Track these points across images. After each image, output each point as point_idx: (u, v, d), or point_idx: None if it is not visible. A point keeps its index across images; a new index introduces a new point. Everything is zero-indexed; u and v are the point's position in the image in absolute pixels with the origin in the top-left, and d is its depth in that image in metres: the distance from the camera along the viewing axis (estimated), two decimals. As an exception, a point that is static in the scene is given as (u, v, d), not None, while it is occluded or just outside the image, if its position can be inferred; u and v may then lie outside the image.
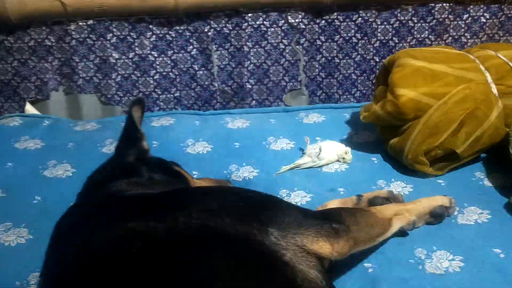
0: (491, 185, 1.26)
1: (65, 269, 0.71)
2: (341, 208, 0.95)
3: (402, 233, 1.05)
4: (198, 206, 0.75)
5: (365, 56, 1.95)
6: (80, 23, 1.80)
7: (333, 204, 1.12)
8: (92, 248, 0.69)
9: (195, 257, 0.63)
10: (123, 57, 1.88)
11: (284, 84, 1.98)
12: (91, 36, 1.83)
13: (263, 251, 0.69)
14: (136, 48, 1.87)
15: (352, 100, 2.02)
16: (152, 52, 1.89)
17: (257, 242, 0.71)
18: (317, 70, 1.96)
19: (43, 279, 0.82)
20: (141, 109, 1.10)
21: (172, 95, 1.96)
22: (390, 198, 1.13)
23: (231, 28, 1.86)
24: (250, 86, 1.96)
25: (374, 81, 1.93)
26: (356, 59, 1.95)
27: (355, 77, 1.99)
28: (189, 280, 0.59)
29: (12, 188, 1.33)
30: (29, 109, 1.88)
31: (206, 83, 1.95)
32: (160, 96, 1.95)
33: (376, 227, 0.93)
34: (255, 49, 1.91)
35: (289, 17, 1.86)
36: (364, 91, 2.01)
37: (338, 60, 1.95)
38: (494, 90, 1.31)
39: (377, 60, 1.95)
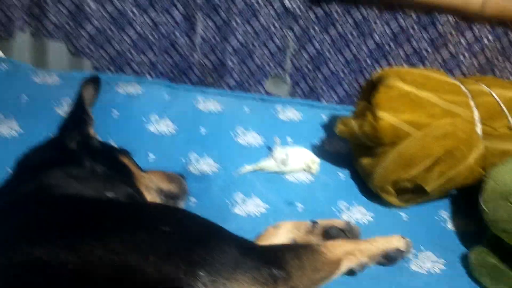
0: (453, 228, 1.21)
1: None
2: (287, 247, 0.88)
3: (350, 271, 0.99)
4: (122, 236, 0.66)
5: (357, 55, 1.84)
6: (58, -38, 1.64)
7: (286, 227, 1.05)
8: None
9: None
10: (100, 8, 1.72)
11: (268, 69, 1.86)
12: (68, -22, 1.67)
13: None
14: (116, 1, 1.72)
15: (335, 98, 1.93)
16: (133, 9, 1.74)
17: (180, 291, 0.63)
18: (304, 60, 1.85)
19: None
20: (94, 90, 0.99)
21: (147, 59, 1.82)
22: (346, 230, 1.07)
23: (221, -2, 1.72)
24: (231, 65, 1.84)
25: (361, 83, 1.84)
26: (347, 57, 1.84)
27: (343, 75, 1.88)
28: None
29: None
30: (-10, 46, 1.73)
31: (186, 52, 1.82)
32: (135, 58, 1.82)
33: (322, 271, 0.86)
34: (244, 27, 1.77)
35: (286, 0, 1.72)
36: (349, 92, 1.91)
37: (328, 54, 1.84)
38: (479, 130, 1.23)
39: (369, 62, 1.84)
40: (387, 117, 1.19)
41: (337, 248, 0.94)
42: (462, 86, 1.30)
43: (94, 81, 0.98)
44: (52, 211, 0.75)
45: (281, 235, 1.03)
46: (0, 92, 1.45)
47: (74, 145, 0.94)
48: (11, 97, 1.44)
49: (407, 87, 1.23)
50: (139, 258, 0.63)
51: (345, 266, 0.93)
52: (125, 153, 1.08)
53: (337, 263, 0.91)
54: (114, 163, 0.99)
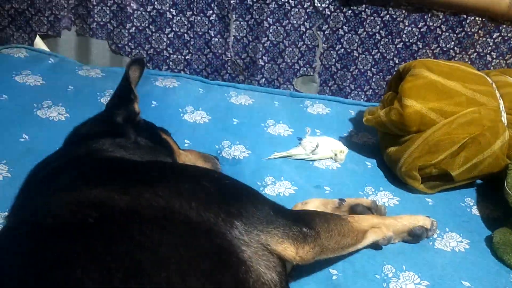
0: (478, 214, 1.23)
1: (19, 224, 0.70)
2: (316, 212, 0.93)
3: (376, 246, 1.03)
4: (168, 184, 0.73)
5: (385, 55, 1.89)
6: (104, -34, 1.76)
7: (313, 203, 1.10)
8: (51, 208, 0.68)
9: (146, 240, 0.61)
10: (141, 9, 1.83)
11: (298, 68, 1.93)
12: (112, -19, 1.78)
13: (222, 245, 0.68)
14: (156, 2, 1.83)
15: (363, 97, 1.98)
16: (171, 10, 1.84)
17: (218, 234, 0.69)
18: (333, 60, 1.91)
19: (5, 224, 0.82)
20: (139, 69, 1.07)
21: (183, 57, 1.92)
22: (372, 209, 1.11)
23: (255, 0, 1.81)
24: (262, 63, 1.91)
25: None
26: (375, 56, 1.90)
27: (371, 75, 1.94)
28: (131, 263, 0.58)
29: (1, 121, 1.32)
30: (38, 43, 1.85)
31: (220, 51, 1.91)
32: (171, 56, 1.91)
33: (349, 238, 0.91)
34: (275, 27, 1.85)
35: (316, 1, 1.80)
36: (376, 90, 1.96)
37: (357, 54, 1.90)
38: (504, 119, 1.27)
39: (397, 61, 1.89)
40: (414, 105, 1.23)
41: (363, 220, 0.98)
42: (487, 78, 1.34)
43: (139, 62, 1.06)
44: (103, 165, 0.83)
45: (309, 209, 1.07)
46: (48, 82, 1.56)
47: (121, 120, 1.02)
48: (58, 87, 1.55)
49: (434, 76, 1.27)
50: (182, 203, 0.69)
51: (370, 237, 0.97)
52: (165, 131, 1.16)
53: (363, 233, 0.95)
54: (156, 138, 1.07)
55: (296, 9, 1.82)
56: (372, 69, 1.92)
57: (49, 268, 0.57)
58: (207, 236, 0.68)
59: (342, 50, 1.89)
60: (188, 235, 0.66)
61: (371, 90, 1.96)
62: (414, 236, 1.06)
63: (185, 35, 1.88)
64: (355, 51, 1.90)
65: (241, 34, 1.88)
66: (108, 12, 1.84)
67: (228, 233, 0.70)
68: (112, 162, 0.85)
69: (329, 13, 1.82)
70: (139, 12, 1.84)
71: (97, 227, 0.62)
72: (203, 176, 0.82)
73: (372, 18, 1.83)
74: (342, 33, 1.86)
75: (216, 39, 1.89)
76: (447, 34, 1.83)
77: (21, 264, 0.59)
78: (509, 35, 1.81)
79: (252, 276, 0.66)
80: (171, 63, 1.93)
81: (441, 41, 1.85)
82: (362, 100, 1.97)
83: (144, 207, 0.67)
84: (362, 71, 1.93)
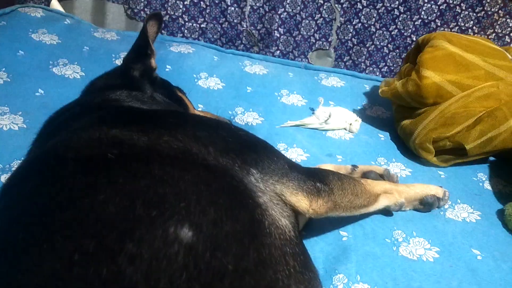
0: (490, 188, 1.23)
1: (39, 158, 0.71)
2: (331, 171, 0.92)
3: (387, 212, 1.03)
4: (186, 130, 0.73)
5: (403, 31, 1.87)
6: None
7: (326, 167, 1.09)
8: (72, 143, 0.68)
9: (166, 175, 0.61)
10: (158, -26, 1.82)
11: (313, 41, 1.92)
12: None
13: (239, 188, 0.68)
14: (173, -32, 1.82)
15: (377, 73, 1.96)
16: (188, -24, 1.83)
17: (234, 178, 0.69)
18: (350, 34, 1.89)
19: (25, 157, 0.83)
20: (157, 25, 1.06)
21: (198, 25, 1.91)
22: (385, 176, 1.10)
23: (273, -31, 1.79)
24: (278, 35, 1.90)
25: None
26: (392, 33, 1.88)
27: (387, 51, 1.92)
28: (153, 193, 0.58)
29: (18, 76, 1.33)
30: (55, 4, 1.85)
31: (235, 21, 1.90)
32: (186, 24, 1.90)
33: (361, 198, 0.90)
34: (293, -2, 1.84)
35: (335, -27, 1.78)
36: (392, 68, 1.94)
37: (374, 29, 1.88)
38: (522, 95, 1.25)
39: (414, 38, 1.87)
40: (432, 76, 1.22)
41: (376, 184, 0.98)
42: (507, 53, 1.32)
43: (158, 17, 1.06)
44: (121, 110, 0.83)
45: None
46: (64, 41, 1.56)
47: (137, 74, 1.02)
48: (73, 47, 1.55)
49: (453, 48, 1.25)
50: (200, 147, 0.70)
51: (382, 202, 0.97)
52: (181, 90, 1.16)
53: (375, 196, 0.95)
54: (172, 95, 1.07)
55: (315, -19, 1.80)
56: (389, 45, 1.90)
57: (71, 195, 0.57)
58: (224, 178, 0.68)
59: (360, 24, 1.87)
60: (206, 174, 0.66)
61: (386, 67, 1.94)
62: (426, 205, 1.06)
63: (201, 2, 1.87)
64: (372, 26, 1.88)
65: (257, 4, 1.86)
66: (125, -24, 1.83)
67: (244, 179, 0.70)
68: (130, 109, 0.86)
69: (348, -14, 1.80)
70: (156, -23, 1.83)
71: (117, 161, 0.63)
72: (220, 125, 0.82)
73: (391, -7, 1.80)
74: (360, 7, 1.84)
75: (232, 8, 1.87)
76: (466, 13, 1.81)
77: (42, 192, 0.59)
78: (530, 16, 1.79)
79: (267, 219, 0.66)
80: (186, 31, 1.92)
81: (460, 19, 1.82)
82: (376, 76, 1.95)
83: (162, 148, 0.67)
84: (379, 47, 1.91)
